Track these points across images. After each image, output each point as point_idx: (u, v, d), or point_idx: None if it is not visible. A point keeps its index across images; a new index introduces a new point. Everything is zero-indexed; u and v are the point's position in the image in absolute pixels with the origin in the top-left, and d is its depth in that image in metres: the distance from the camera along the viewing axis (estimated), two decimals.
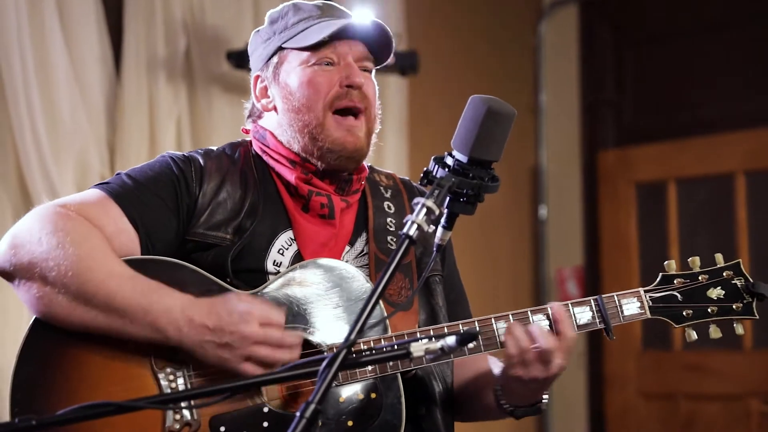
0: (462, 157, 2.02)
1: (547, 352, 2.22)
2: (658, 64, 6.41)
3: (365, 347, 2.19)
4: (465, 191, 2.02)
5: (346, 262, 2.37)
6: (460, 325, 2.28)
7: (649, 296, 2.36)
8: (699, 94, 6.24)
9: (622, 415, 6.34)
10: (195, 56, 4.92)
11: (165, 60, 4.80)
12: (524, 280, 6.67)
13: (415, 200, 1.93)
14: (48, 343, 2.15)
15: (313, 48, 2.41)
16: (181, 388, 2.15)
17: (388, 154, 5.54)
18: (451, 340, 1.82)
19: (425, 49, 5.51)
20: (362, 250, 2.43)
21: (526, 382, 2.27)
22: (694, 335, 2.36)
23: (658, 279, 2.38)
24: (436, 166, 2.02)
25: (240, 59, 4.84)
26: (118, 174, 2.37)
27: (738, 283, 2.37)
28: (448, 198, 2.01)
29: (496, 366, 2.41)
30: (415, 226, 1.90)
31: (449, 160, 2.02)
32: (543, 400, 2.36)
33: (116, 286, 2.13)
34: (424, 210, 1.91)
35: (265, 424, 2.15)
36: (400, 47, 5.17)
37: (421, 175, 2.03)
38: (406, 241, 1.89)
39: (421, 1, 6.03)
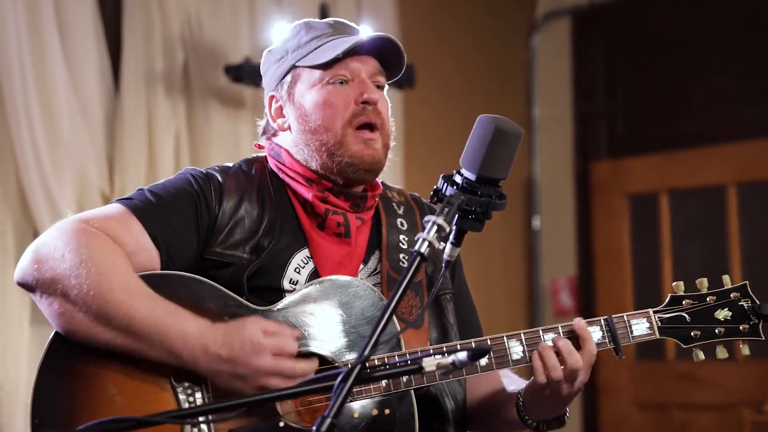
0: (471, 176, 2.05)
1: (575, 371, 2.27)
2: (651, 76, 6.45)
3: (378, 363, 2.22)
4: (474, 208, 2.05)
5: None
6: (473, 343, 2.31)
7: (658, 317, 2.40)
8: (691, 105, 6.29)
9: (616, 425, 6.38)
10: (193, 70, 4.95)
11: (163, 74, 4.83)
12: (518, 291, 6.71)
13: (426, 218, 1.96)
14: (69, 354, 2.17)
15: (327, 66, 2.42)
16: (199, 403, 2.17)
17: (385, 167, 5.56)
18: (462, 355, 1.86)
19: (420, 63, 5.55)
20: (375, 268, 2.45)
21: (551, 400, 2.32)
22: (701, 355, 2.40)
23: (666, 300, 2.42)
24: (446, 184, 2.06)
25: (237, 73, 4.88)
26: (140, 189, 2.38)
27: (745, 305, 2.41)
28: (457, 215, 2.04)
29: (514, 383, 2.46)
30: (426, 243, 1.93)
31: (458, 179, 2.06)
32: (566, 413, 2.41)
33: (134, 308, 2.14)
34: (435, 227, 1.94)
35: None
36: None
37: (431, 193, 2.07)
38: (418, 258, 1.92)
39: (416, 15, 6.08)
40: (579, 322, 2.33)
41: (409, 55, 5.89)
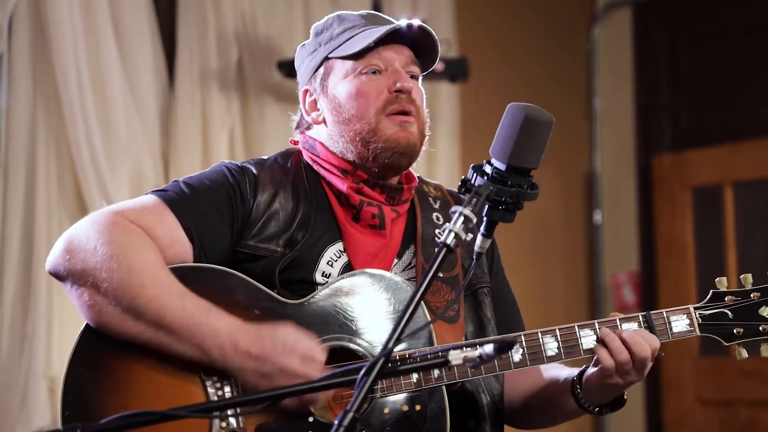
0: (500, 165, 2.01)
1: (644, 358, 2.24)
2: (714, 66, 6.33)
3: (408, 356, 2.19)
4: (504, 199, 2.01)
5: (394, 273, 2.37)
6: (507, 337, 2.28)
7: (699, 313, 2.34)
8: (755, 96, 6.15)
9: (679, 421, 6.27)
10: (247, 66, 4.97)
11: (217, 71, 4.86)
12: (579, 287, 6.63)
13: (453, 209, 1.93)
14: (99, 346, 2.18)
15: (360, 56, 2.41)
16: (228, 396, 2.16)
17: (440, 161, 5.55)
18: (489, 348, 1.82)
19: (476, 55, 5.51)
20: (410, 263, 2.42)
21: (615, 386, 2.28)
22: (744, 353, 2.34)
23: (708, 296, 2.36)
24: (475, 174, 2.02)
25: (291, 69, 4.87)
26: (175, 181, 2.37)
27: None
28: (486, 206, 2.01)
29: (561, 369, 2.41)
30: (452, 234, 1.90)
31: (488, 168, 2.02)
32: (625, 393, 2.37)
33: (166, 304, 2.14)
34: (462, 218, 1.91)
35: None
36: (449, 54, 5.17)
37: (459, 183, 2.03)
38: (444, 250, 1.89)
39: (473, 7, 6.03)
40: (603, 330, 2.28)
41: (465, 48, 5.85)
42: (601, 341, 2.26)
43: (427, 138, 2.47)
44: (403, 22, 2.44)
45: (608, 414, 2.39)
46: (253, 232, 2.34)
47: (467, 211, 1.92)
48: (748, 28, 6.20)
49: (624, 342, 2.24)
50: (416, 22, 2.46)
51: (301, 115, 2.54)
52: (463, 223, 1.91)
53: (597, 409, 2.36)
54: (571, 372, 2.38)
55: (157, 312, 2.13)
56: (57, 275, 2.22)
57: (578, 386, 2.34)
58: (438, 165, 5.52)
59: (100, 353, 2.18)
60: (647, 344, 2.25)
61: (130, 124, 4.53)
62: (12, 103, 4.33)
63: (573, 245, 6.62)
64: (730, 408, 6.10)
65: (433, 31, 2.45)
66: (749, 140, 6.15)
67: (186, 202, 2.31)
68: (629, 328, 2.29)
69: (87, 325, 2.21)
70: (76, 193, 4.41)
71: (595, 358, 2.28)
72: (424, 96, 2.48)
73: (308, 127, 2.52)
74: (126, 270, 2.14)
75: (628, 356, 2.23)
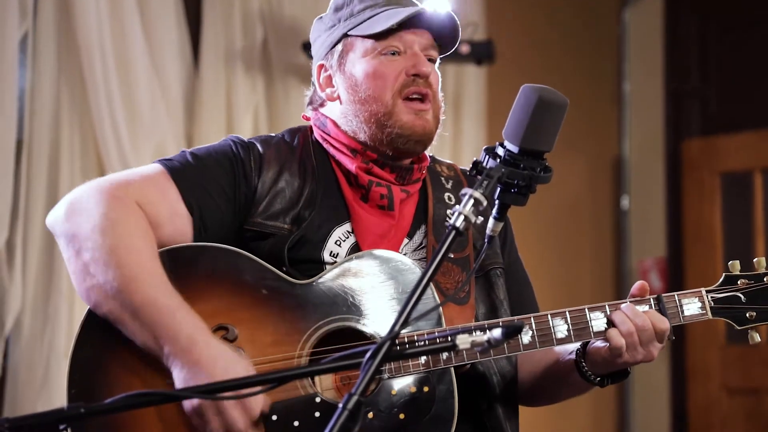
0: (513, 148, 1.97)
1: (645, 329, 2.22)
2: (744, 52, 6.26)
3: (417, 338, 2.17)
4: (516, 182, 1.97)
5: (404, 254, 2.34)
6: (515, 321, 2.25)
7: (711, 297, 2.31)
8: None
9: (705, 409, 6.22)
10: (272, 47, 4.96)
11: (242, 51, 4.85)
12: (606, 272, 6.59)
13: (463, 191, 1.89)
14: (105, 327, 2.17)
15: (380, 36, 2.38)
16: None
17: (466, 143, 5.53)
18: (497, 332, 1.79)
19: (504, 38, 5.47)
20: (421, 243, 2.40)
21: (622, 364, 2.26)
22: (757, 338, 2.32)
23: (721, 279, 2.33)
24: (487, 157, 1.99)
25: None
26: (182, 152, 2.37)
27: None
28: (499, 188, 1.98)
29: (569, 346, 2.37)
30: (462, 217, 1.87)
31: (500, 151, 1.98)
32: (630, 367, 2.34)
33: (140, 290, 2.13)
34: (472, 201, 1.88)
35: (317, 414, 2.14)
36: (476, 36, 5.13)
37: (471, 165, 2.01)
38: (453, 233, 1.86)
39: None
40: (625, 305, 2.26)
41: (492, 31, 5.78)
42: (610, 321, 2.23)
43: (441, 121, 2.45)
44: (427, 7, 2.41)
45: (610, 384, 2.36)
46: (260, 209, 2.33)
47: (477, 194, 1.89)
48: None
49: (632, 321, 2.22)
50: (442, 10, 2.43)
51: (315, 90, 2.52)
52: (473, 205, 1.87)
53: (599, 379, 2.33)
54: (574, 346, 2.34)
55: (129, 296, 2.12)
56: (53, 231, 2.25)
57: (582, 360, 2.31)
58: (464, 147, 5.50)
59: (104, 334, 2.17)
60: (656, 324, 2.23)
61: (154, 105, 4.53)
62: (36, 82, 4.34)
63: (600, 230, 6.58)
64: (756, 397, 6.05)
65: (455, 15, 2.42)
66: None
67: (190, 174, 2.31)
68: (641, 310, 2.26)
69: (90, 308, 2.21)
70: (99, 174, 4.40)
71: (604, 336, 2.26)
72: (440, 79, 2.45)
73: (321, 104, 2.50)
74: (108, 247, 2.15)
75: (636, 335, 2.22)
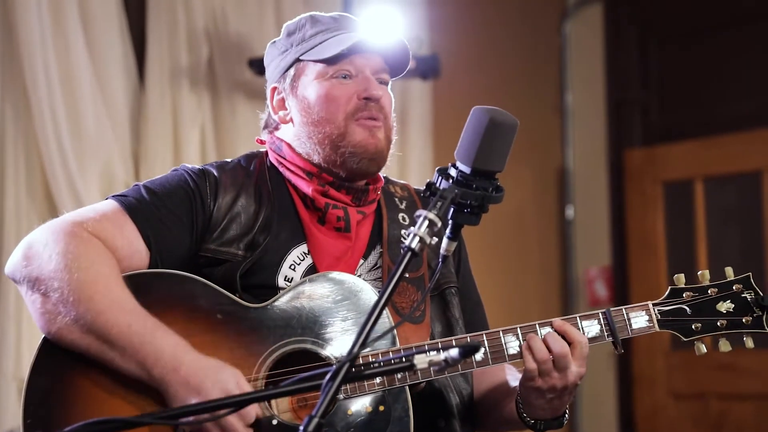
0: (465, 169, 2.01)
1: (562, 356, 2.23)
2: (685, 62, 6.36)
3: (372, 359, 2.19)
4: (469, 202, 2.01)
5: (359, 275, 2.37)
6: (468, 338, 2.28)
7: (658, 309, 2.36)
8: (726, 91, 6.19)
9: (652, 415, 6.30)
10: (218, 64, 4.94)
11: (188, 69, 4.83)
12: (552, 281, 6.65)
13: (417, 212, 1.93)
14: (60, 355, 2.16)
15: (332, 60, 2.41)
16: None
17: (413, 159, 5.54)
18: (454, 352, 1.82)
19: (449, 52, 5.50)
20: (376, 264, 2.42)
21: (544, 393, 2.27)
22: (703, 349, 2.37)
23: (666, 292, 2.38)
24: (440, 178, 2.02)
25: (262, 66, 4.82)
26: (136, 185, 2.37)
27: (748, 297, 2.36)
28: (452, 209, 2.00)
29: (515, 378, 2.41)
30: (417, 238, 1.90)
31: (453, 172, 2.02)
32: (565, 414, 2.36)
33: (113, 320, 2.13)
34: (426, 222, 1.91)
35: None
36: (421, 52, 5.16)
37: (425, 186, 2.03)
38: (409, 254, 1.89)
39: (445, 3, 6.02)
40: (555, 321, 2.29)
41: (437, 45, 5.83)
42: (526, 344, 2.26)
43: (393, 142, 2.48)
44: (374, 31, 2.44)
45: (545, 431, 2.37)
46: (215, 235, 2.34)
47: (432, 215, 1.92)
48: (718, 24, 6.23)
49: (544, 341, 2.25)
50: (389, 35, 2.47)
51: (269, 113, 2.54)
52: (427, 227, 1.91)
53: (533, 422, 2.35)
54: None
55: (104, 326, 2.13)
56: (14, 279, 2.24)
57: (519, 394, 2.34)
58: (410, 163, 5.51)
59: (61, 361, 2.17)
60: (566, 343, 2.24)
61: (99, 124, 4.49)
62: None
63: (546, 240, 6.64)
64: (702, 401, 6.14)
65: (405, 41, 2.46)
66: (720, 135, 6.18)
67: (145, 208, 2.31)
68: (589, 326, 2.30)
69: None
70: (45, 194, 4.37)
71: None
72: (393, 101, 2.48)
73: (276, 128, 2.52)
74: (77, 282, 2.14)
75: (548, 355, 2.23)
